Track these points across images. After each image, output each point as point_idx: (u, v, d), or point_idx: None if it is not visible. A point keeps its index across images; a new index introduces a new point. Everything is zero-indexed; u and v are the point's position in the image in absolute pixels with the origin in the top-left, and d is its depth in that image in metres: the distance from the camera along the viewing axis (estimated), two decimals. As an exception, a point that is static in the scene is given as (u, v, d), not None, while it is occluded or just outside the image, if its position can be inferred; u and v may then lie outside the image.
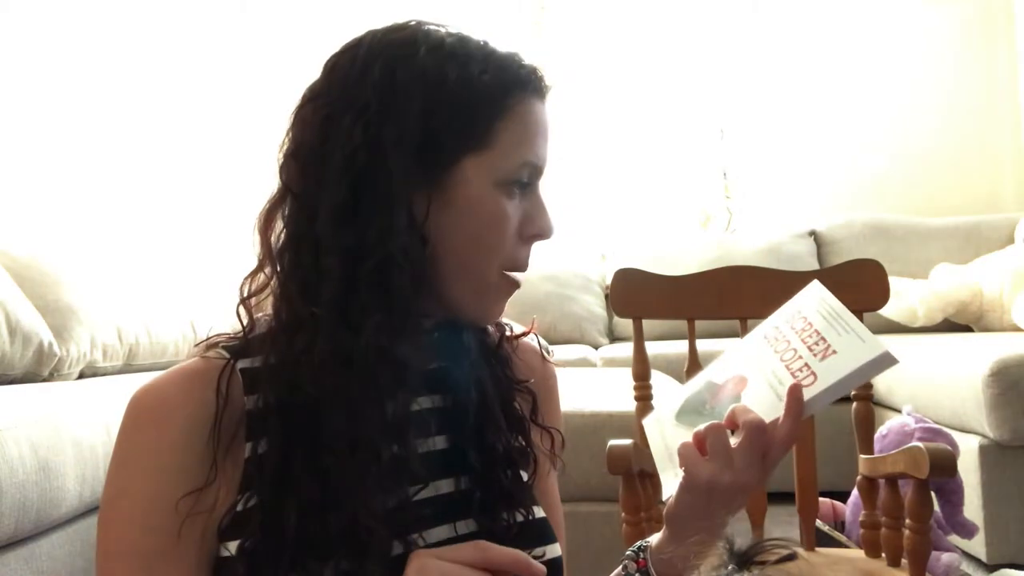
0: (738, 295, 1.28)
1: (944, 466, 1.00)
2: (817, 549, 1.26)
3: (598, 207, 3.74)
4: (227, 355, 0.66)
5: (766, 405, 0.70)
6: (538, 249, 0.73)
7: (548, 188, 0.74)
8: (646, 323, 1.33)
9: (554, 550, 0.74)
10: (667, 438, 0.76)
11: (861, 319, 1.28)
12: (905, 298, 2.93)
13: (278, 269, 0.66)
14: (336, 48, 0.69)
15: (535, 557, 0.71)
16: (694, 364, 1.30)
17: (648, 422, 0.81)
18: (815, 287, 0.78)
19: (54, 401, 1.51)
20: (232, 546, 0.62)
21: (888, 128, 3.56)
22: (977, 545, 1.89)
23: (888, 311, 2.86)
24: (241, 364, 0.65)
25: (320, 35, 3.39)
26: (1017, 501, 1.87)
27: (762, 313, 0.81)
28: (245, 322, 0.68)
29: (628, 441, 1.10)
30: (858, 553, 1.25)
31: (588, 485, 1.63)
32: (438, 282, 0.68)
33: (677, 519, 0.71)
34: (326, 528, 0.61)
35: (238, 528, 0.62)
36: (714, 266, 1.36)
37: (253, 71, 3.46)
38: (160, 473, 0.62)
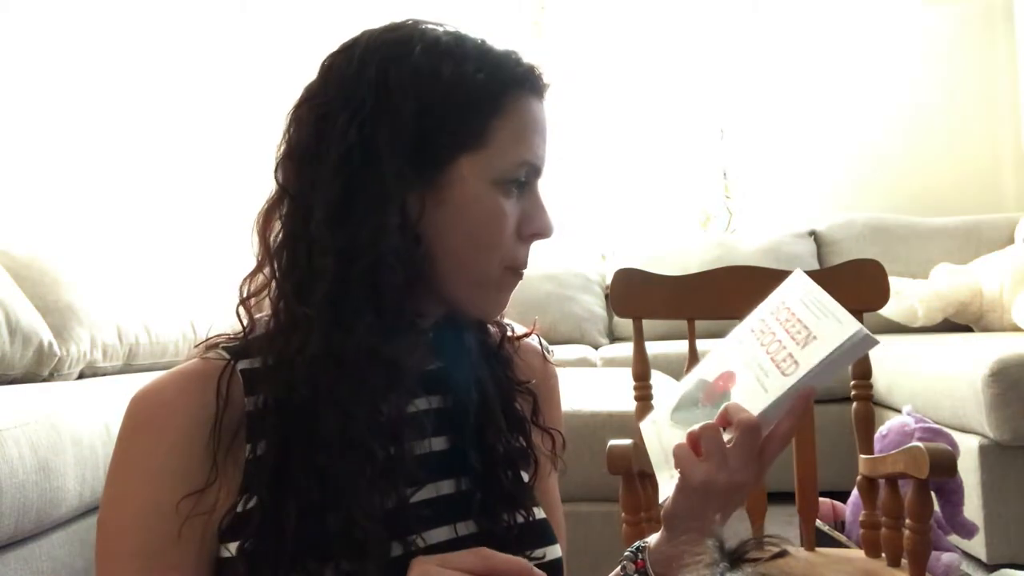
0: (738, 295, 1.28)
1: (944, 466, 1.00)
2: (817, 549, 1.26)
3: (598, 207, 3.74)
4: (227, 356, 0.66)
5: (754, 398, 0.70)
6: (538, 249, 0.73)
7: (548, 188, 0.73)
8: (646, 323, 1.33)
9: (554, 551, 0.74)
10: (663, 439, 0.76)
11: (861, 319, 1.29)
12: (905, 298, 2.93)
13: (276, 269, 0.66)
14: (334, 48, 0.69)
15: (535, 558, 0.71)
16: (694, 364, 1.29)
17: (645, 425, 0.81)
18: (797, 276, 0.78)
19: (54, 401, 1.51)
20: (232, 547, 0.62)
21: (888, 128, 3.56)
22: (977, 545, 1.89)
23: (888, 311, 2.86)
24: (241, 365, 0.65)
25: (319, 35, 3.39)
26: (1017, 501, 1.87)
27: (762, 313, 0.81)
28: (245, 322, 0.68)
29: (628, 441, 1.10)
30: (858, 553, 1.25)
31: (588, 485, 1.63)
32: (437, 281, 0.68)
33: (674, 519, 0.71)
34: (325, 529, 0.61)
35: (238, 529, 0.62)
36: (714, 266, 1.36)
37: (253, 71, 3.45)
38: (159, 476, 0.62)
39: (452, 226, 0.66)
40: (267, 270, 0.67)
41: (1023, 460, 1.87)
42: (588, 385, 2.07)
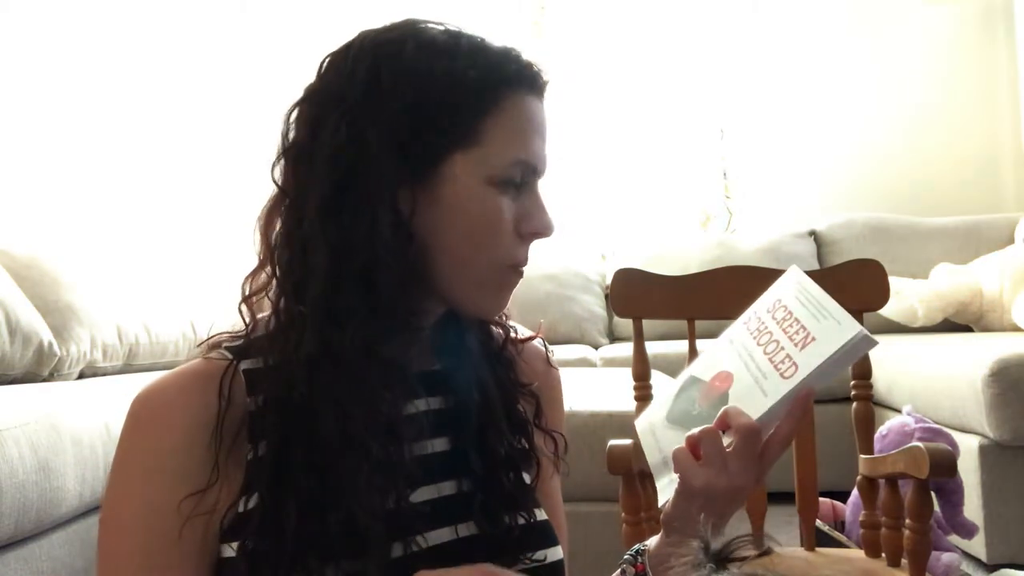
0: (738, 295, 1.28)
1: (944, 466, 1.00)
2: (817, 549, 1.25)
3: (598, 207, 3.74)
4: (230, 356, 0.66)
5: (752, 401, 0.69)
6: (538, 249, 0.73)
7: (548, 188, 0.73)
8: (646, 323, 1.33)
9: (555, 553, 0.74)
10: (660, 441, 0.76)
11: (860, 319, 1.29)
12: (905, 298, 2.93)
13: (275, 268, 0.67)
14: (333, 48, 0.69)
15: (536, 560, 0.71)
16: (694, 364, 1.30)
17: (641, 424, 0.80)
18: (793, 272, 0.77)
19: (54, 401, 1.51)
20: (234, 547, 0.62)
21: (888, 128, 3.56)
22: (977, 545, 1.89)
23: (888, 311, 2.86)
24: (244, 365, 0.65)
25: (320, 35, 3.39)
26: (1017, 501, 1.87)
27: (762, 313, 0.80)
28: (247, 320, 0.68)
29: (628, 441, 1.10)
30: (858, 553, 1.25)
31: (588, 485, 1.63)
32: (435, 280, 0.68)
33: (674, 523, 0.71)
34: (325, 528, 0.61)
35: (239, 529, 0.62)
36: (714, 266, 1.36)
37: (253, 71, 3.45)
38: (160, 475, 0.62)
39: (447, 224, 0.66)
40: (268, 269, 0.68)
41: (1023, 460, 1.87)
42: (588, 385, 2.07)
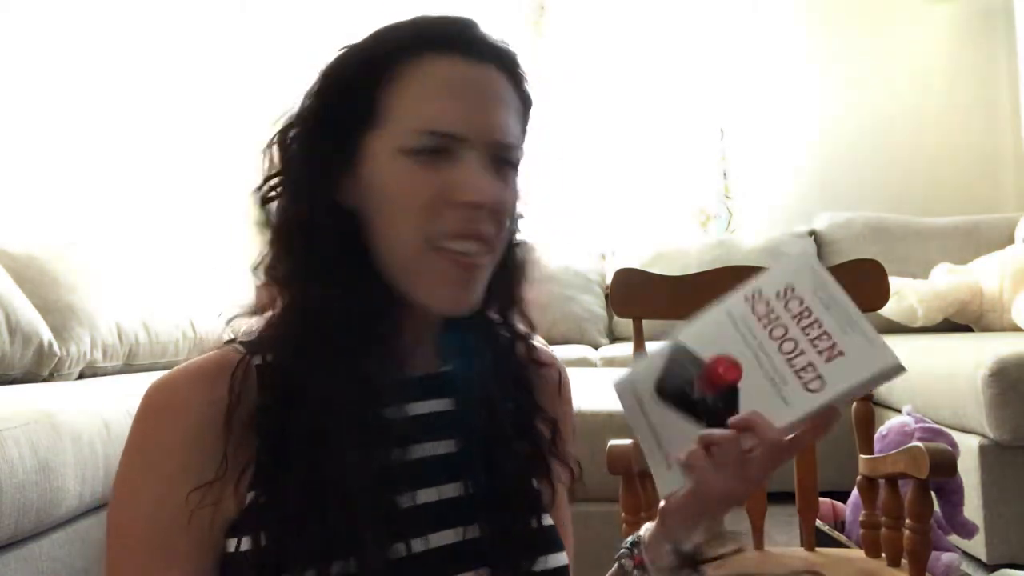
0: (738, 295, 1.28)
1: (944, 466, 1.00)
2: (817, 549, 1.26)
3: (598, 207, 3.74)
4: (243, 350, 0.66)
5: (771, 407, 0.66)
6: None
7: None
8: (646, 323, 1.33)
9: (559, 559, 0.73)
10: (650, 416, 0.72)
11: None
12: (905, 298, 2.93)
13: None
14: (333, 48, 0.70)
15: (540, 567, 0.70)
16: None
17: (621, 386, 0.75)
18: (807, 259, 0.71)
19: (54, 401, 1.51)
20: (238, 541, 0.62)
21: (888, 128, 3.56)
22: (977, 545, 1.89)
23: (888, 311, 2.86)
24: (256, 360, 0.66)
25: (320, 35, 3.39)
26: (1017, 501, 1.87)
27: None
28: (256, 303, 0.70)
29: (628, 441, 1.10)
30: (858, 553, 1.25)
31: (588, 485, 1.62)
32: (381, 269, 0.67)
33: (677, 517, 0.70)
34: (327, 527, 0.61)
35: (245, 524, 0.62)
36: (714, 266, 1.36)
37: (253, 71, 3.45)
38: (170, 470, 0.62)
39: (371, 204, 0.66)
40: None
41: (1023, 460, 1.87)
42: (588, 385, 2.07)
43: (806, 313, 0.68)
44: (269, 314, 0.69)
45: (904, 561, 1.10)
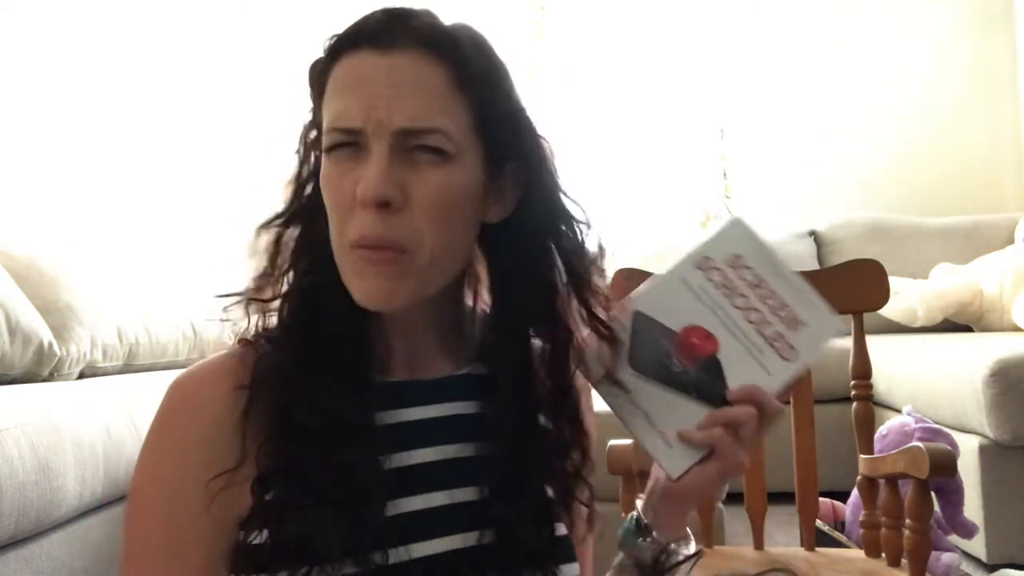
0: (738, 295, 1.28)
1: (944, 466, 1.00)
2: (817, 549, 1.26)
3: (598, 207, 3.73)
4: (265, 346, 0.67)
5: (756, 376, 0.68)
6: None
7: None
8: (646, 323, 1.33)
9: (571, 570, 0.71)
10: (633, 394, 0.69)
11: (860, 320, 1.29)
12: (905, 298, 2.93)
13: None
14: None
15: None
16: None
17: (591, 359, 0.70)
18: (746, 228, 0.74)
19: (54, 401, 1.51)
20: (249, 539, 0.62)
21: (888, 128, 3.56)
22: (977, 545, 1.89)
23: (888, 311, 2.86)
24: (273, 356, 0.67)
25: (319, 35, 3.38)
26: (1017, 501, 1.87)
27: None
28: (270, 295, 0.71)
29: (628, 441, 1.10)
30: (858, 553, 1.25)
31: (588, 485, 1.63)
32: None
33: (687, 495, 0.72)
34: (330, 525, 0.61)
35: (254, 522, 0.62)
36: (714, 266, 1.36)
37: (253, 71, 3.45)
38: (187, 464, 0.63)
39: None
40: None
41: (1023, 460, 1.87)
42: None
43: (759, 283, 0.70)
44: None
45: (904, 561, 1.10)
